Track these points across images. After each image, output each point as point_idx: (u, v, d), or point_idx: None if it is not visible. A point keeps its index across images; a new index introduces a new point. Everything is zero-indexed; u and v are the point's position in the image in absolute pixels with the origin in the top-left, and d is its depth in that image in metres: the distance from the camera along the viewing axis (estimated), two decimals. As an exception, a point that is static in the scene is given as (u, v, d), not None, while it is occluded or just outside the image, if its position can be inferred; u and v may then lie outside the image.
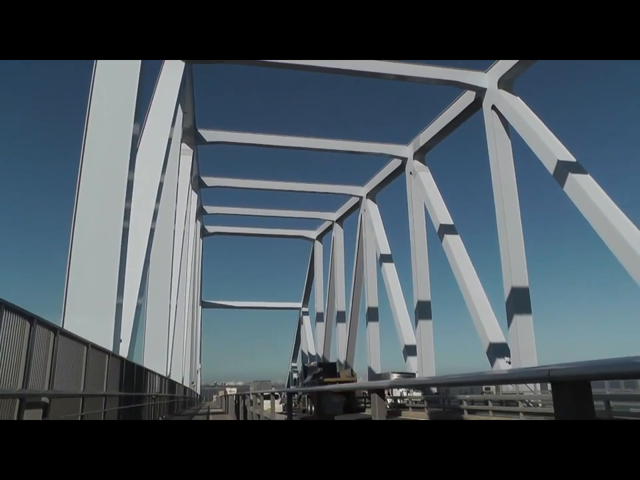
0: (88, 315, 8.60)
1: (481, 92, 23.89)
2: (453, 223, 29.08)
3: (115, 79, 10.58)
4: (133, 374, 10.22)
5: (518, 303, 22.01)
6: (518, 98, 22.29)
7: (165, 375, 19.24)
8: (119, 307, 9.40)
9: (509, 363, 22.82)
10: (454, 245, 27.92)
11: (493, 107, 23.35)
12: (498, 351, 23.58)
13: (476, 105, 24.84)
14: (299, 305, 65.29)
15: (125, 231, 10.00)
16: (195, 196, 38.22)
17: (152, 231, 14.23)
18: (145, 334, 20.52)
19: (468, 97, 25.22)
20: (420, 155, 32.28)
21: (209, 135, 31.66)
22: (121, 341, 10.14)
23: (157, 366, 17.94)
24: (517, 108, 22.00)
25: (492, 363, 23.75)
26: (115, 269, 9.40)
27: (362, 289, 42.26)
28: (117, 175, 9.97)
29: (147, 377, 12.64)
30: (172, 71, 20.26)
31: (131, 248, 10.85)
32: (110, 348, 8.24)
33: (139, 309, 12.51)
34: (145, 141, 16.52)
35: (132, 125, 10.38)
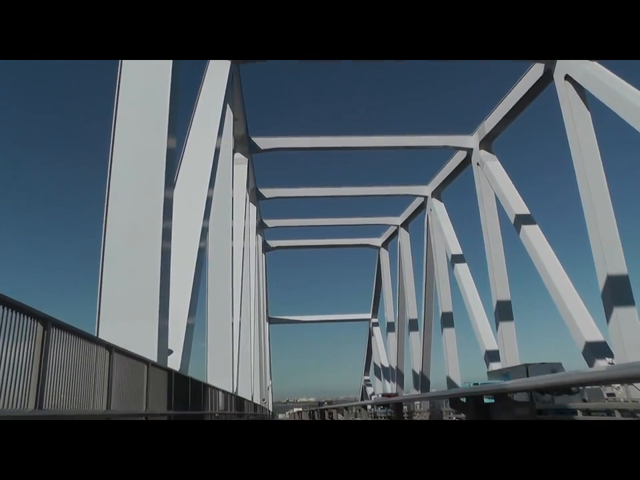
0: (125, 322, 7.40)
1: (551, 62, 21.63)
2: (530, 213, 26.65)
3: (142, 88, 9.36)
4: (187, 390, 8.95)
5: (617, 294, 19.46)
6: (595, 62, 19.84)
7: (231, 392, 18.01)
8: (163, 314, 8.11)
9: (612, 363, 20.21)
10: (534, 236, 25.48)
11: (567, 77, 21.04)
12: (596, 350, 20.98)
13: (546, 78, 22.59)
14: (369, 315, 63.41)
15: (166, 252, 8.67)
16: (253, 209, 37.40)
17: (201, 249, 12.86)
18: (207, 351, 19.51)
19: (536, 71, 23.01)
20: (486, 143, 30.09)
21: (263, 142, 30.71)
22: (171, 352, 8.89)
23: (222, 383, 16.76)
24: (595, 73, 19.58)
25: (590, 363, 21.15)
26: (155, 284, 8.06)
27: (434, 294, 40.08)
28: (151, 194, 8.66)
29: (206, 393, 11.36)
30: (216, 76, 19.30)
31: (176, 266, 9.90)
32: (153, 358, 6.96)
33: (191, 327, 11.24)
34: (188, 154, 15.35)
35: (165, 138, 9.04)
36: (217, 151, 16.96)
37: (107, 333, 7.09)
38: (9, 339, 3.15)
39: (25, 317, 3.31)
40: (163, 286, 8.02)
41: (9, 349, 3.20)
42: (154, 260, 8.15)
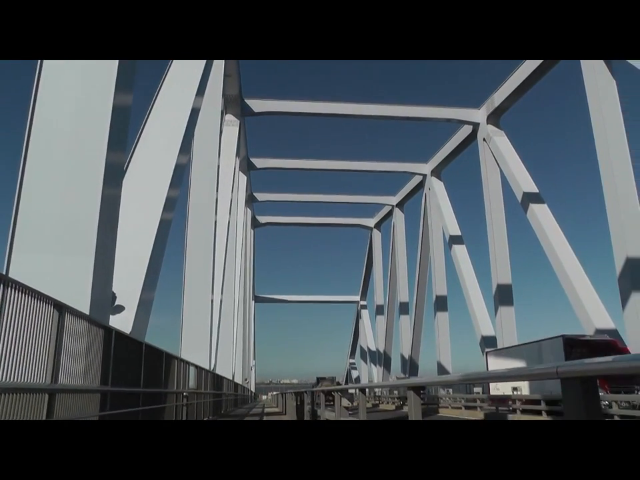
0: (48, 255, 5.43)
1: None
2: (538, 191, 24.86)
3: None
4: (139, 359, 6.98)
5: (636, 278, 17.75)
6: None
7: (207, 369, 16.11)
8: (103, 254, 6.07)
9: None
10: (543, 217, 23.69)
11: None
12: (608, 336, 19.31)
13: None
14: (357, 298, 61.85)
15: (107, 220, 6.50)
16: (243, 179, 35.19)
17: (164, 221, 10.61)
18: (182, 326, 17.58)
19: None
20: (494, 118, 28.21)
21: (258, 104, 28.50)
22: (121, 309, 6.97)
23: (197, 359, 14.86)
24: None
25: (599, 353, 19.51)
26: (93, 216, 5.97)
27: (428, 277, 38.43)
28: (92, 157, 6.41)
29: (171, 366, 9.38)
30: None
31: (135, 232, 8.51)
32: (84, 309, 5.01)
33: (150, 287, 9.19)
34: (157, 113, 12.94)
35: (112, 90, 6.77)
36: (196, 111, 14.60)
37: (21, 268, 5.18)
38: None
39: None
40: (104, 221, 5.99)
41: None
42: (93, 192, 6.11)
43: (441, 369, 34.58)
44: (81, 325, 4.67)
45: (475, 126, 29.50)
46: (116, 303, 7.15)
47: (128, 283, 7.57)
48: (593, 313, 20.05)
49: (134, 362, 6.83)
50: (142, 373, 7.03)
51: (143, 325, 8.21)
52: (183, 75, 14.47)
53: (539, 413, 17.94)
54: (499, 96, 27.17)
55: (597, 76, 19.47)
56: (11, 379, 3.45)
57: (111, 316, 6.75)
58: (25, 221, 5.64)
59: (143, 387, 7.07)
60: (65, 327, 4.22)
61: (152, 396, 7.76)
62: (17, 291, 3.50)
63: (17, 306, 3.50)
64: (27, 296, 3.60)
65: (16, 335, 3.49)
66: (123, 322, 7.10)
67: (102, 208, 6.02)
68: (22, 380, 3.54)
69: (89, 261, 5.68)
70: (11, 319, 3.44)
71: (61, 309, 4.14)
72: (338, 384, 42.33)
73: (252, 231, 49.28)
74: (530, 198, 24.41)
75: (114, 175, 6.61)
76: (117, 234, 6.62)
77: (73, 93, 6.58)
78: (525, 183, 25.10)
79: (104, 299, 6.13)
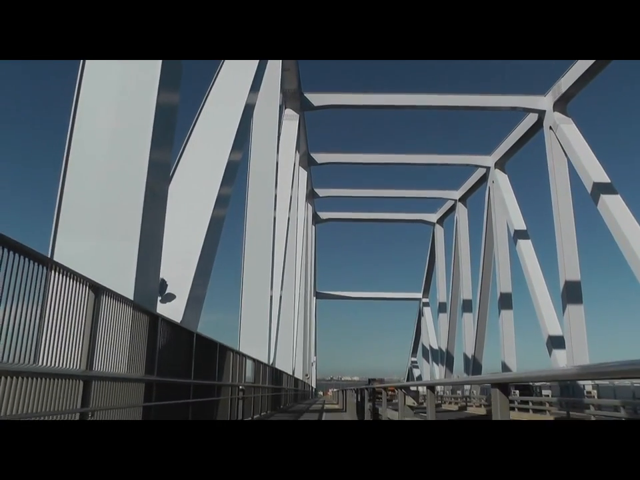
0: (92, 241, 5.46)
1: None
2: (610, 181, 23.43)
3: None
4: (189, 349, 6.94)
5: None
6: None
7: (265, 363, 16.13)
8: (148, 239, 6.03)
9: None
10: (617, 210, 22.28)
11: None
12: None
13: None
14: (419, 295, 60.81)
15: (152, 211, 6.43)
16: (303, 174, 35.19)
17: (215, 217, 10.33)
18: (241, 321, 17.73)
19: None
20: (561, 105, 26.77)
21: (317, 98, 28.33)
22: (171, 297, 6.96)
23: (256, 353, 14.88)
24: None
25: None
26: (138, 201, 5.95)
27: (492, 274, 37.16)
28: (135, 150, 6.32)
29: (225, 358, 9.33)
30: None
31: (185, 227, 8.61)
32: (129, 295, 4.97)
33: (201, 295, 9.08)
34: (208, 110, 12.74)
35: (156, 87, 6.61)
36: (251, 107, 14.41)
37: (65, 253, 5.22)
38: None
39: None
40: (148, 211, 5.95)
41: None
42: (136, 183, 6.08)
43: (506, 370, 33.39)
44: (122, 309, 4.61)
45: (541, 114, 28.16)
46: (167, 292, 7.17)
47: (178, 273, 7.57)
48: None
49: (184, 352, 6.80)
50: (192, 363, 7.00)
51: (195, 316, 8.17)
52: (236, 70, 14.34)
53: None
54: (566, 81, 25.79)
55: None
56: (41, 364, 3.40)
57: (161, 304, 6.77)
58: (67, 207, 5.68)
59: (194, 378, 7.03)
60: (102, 310, 4.15)
61: (204, 388, 7.73)
62: (51, 270, 3.44)
63: (50, 287, 3.44)
64: (60, 275, 3.53)
65: (48, 318, 3.43)
66: (173, 311, 7.10)
67: (146, 199, 6.00)
68: (52, 365, 3.48)
69: (133, 247, 5.65)
70: (45, 300, 3.38)
71: (97, 290, 4.05)
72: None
73: (313, 227, 49.36)
74: (601, 189, 23.06)
75: (159, 168, 6.62)
76: (164, 225, 6.62)
77: (116, 90, 6.59)
78: (595, 173, 23.73)
79: (150, 285, 6.10)
